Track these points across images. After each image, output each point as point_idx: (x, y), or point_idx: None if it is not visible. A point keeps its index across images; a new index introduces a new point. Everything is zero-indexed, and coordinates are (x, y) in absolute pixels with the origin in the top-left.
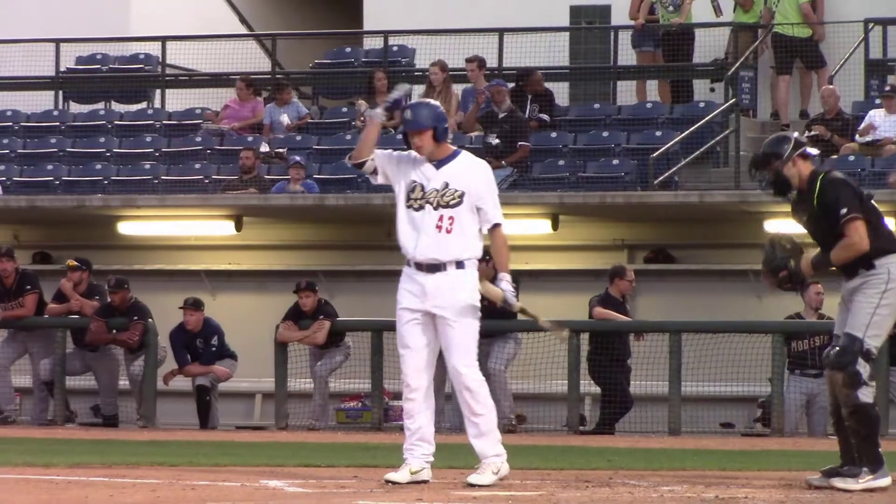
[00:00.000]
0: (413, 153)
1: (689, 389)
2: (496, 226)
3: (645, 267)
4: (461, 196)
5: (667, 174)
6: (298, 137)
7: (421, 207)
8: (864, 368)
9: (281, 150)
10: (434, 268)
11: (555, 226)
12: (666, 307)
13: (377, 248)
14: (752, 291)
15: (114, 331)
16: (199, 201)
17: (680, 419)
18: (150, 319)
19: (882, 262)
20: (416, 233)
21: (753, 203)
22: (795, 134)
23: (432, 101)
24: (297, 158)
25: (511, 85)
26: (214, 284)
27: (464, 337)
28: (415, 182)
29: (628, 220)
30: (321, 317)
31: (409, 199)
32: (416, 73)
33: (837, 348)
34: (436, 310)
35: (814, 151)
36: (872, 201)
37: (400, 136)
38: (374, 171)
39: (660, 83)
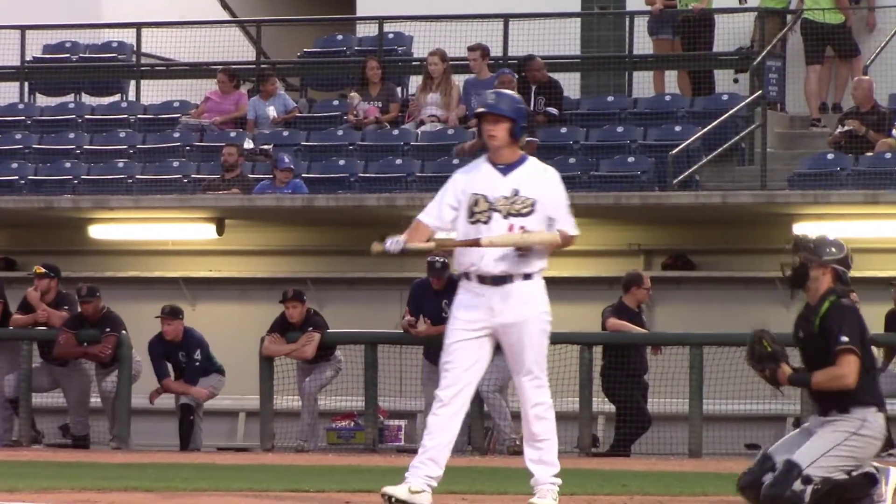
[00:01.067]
0: (463, 175)
1: (711, 407)
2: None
3: (663, 274)
4: (533, 205)
5: (687, 173)
6: (285, 133)
7: (489, 219)
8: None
9: (266, 147)
10: (500, 280)
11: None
12: (686, 318)
13: (370, 255)
14: (780, 301)
15: (84, 343)
16: (178, 202)
17: (701, 440)
18: (123, 331)
19: (858, 412)
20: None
21: (781, 204)
22: (847, 251)
23: (517, 95)
24: (287, 161)
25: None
26: (194, 293)
27: (532, 353)
28: (476, 195)
29: (645, 223)
30: (310, 328)
31: (472, 214)
32: (414, 63)
33: (772, 478)
34: (503, 326)
35: (847, 277)
36: (872, 348)
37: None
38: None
39: (679, 74)
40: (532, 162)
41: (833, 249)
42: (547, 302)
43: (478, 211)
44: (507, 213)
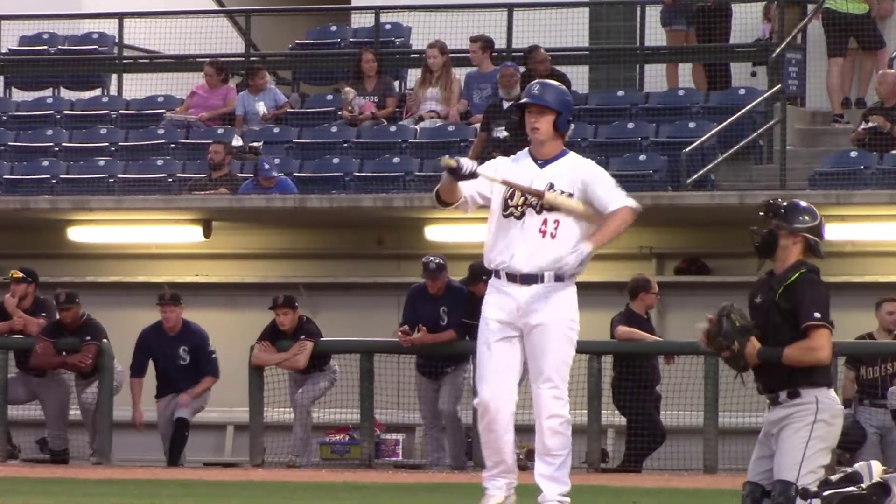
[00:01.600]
0: (506, 159)
1: (727, 420)
2: (624, 207)
3: (676, 279)
4: (569, 198)
5: (701, 172)
6: (276, 129)
7: (523, 214)
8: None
9: (256, 144)
10: (530, 279)
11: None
12: None
13: (367, 258)
14: None
15: (63, 353)
16: (162, 203)
17: (717, 455)
18: (104, 340)
19: (809, 392)
20: (514, 241)
21: None
22: (820, 219)
23: (563, 87)
24: (269, 168)
25: (522, 69)
26: None
27: (554, 360)
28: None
29: (657, 225)
30: (302, 336)
31: (506, 206)
32: (412, 56)
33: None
34: (528, 326)
35: (819, 249)
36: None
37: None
38: (465, 202)
39: (693, 67)
40: (571, 156)
41: (806, 217)
42: (576, 309)
43: (513, 204)
44: (541, 208)
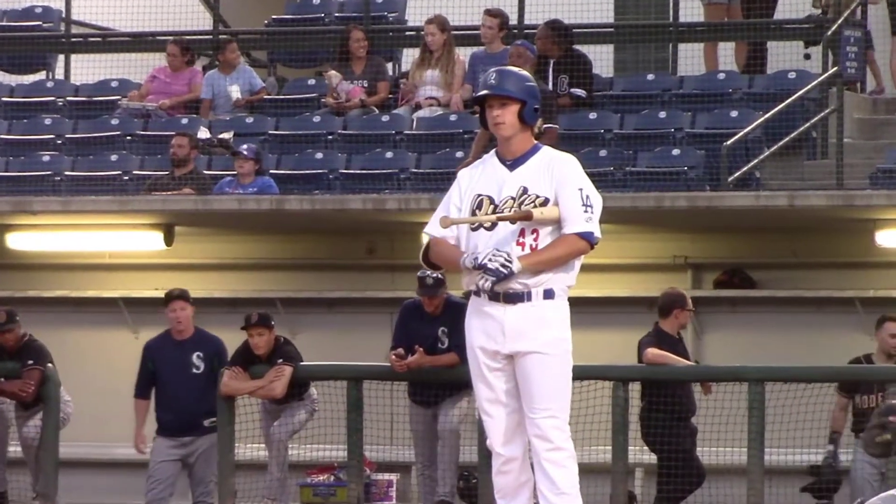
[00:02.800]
0: (470, 170)
1: (774, 458)
2: (577, 235)
3: (715, 293)
4: (544, 203)
5: (745, 169)
6: (249, 119)
7: (494, 224)
8: None
9: (226, 137)
10: (515, 297)
11: None
12: (743, 347)
13: (355, 269)
14: (861, 326)
15: (1, 379)
16: (116, 205)
17: (763, 497)
18: (49, 364)
19: None
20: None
21: (861, 207)
22: None
23: (524, 72)
24: (246, 148)
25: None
26: (137, 317)
27: (549, 386)
28: (480, 196)
29: (693, 231)
30: (279, 360)
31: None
32: (408, 33)
33: None
34: (516, 351)
35: None
36: None
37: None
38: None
39: (736, 46)
40: (544, 152)
41: None
42: (568, 327)
43: (481, 215)
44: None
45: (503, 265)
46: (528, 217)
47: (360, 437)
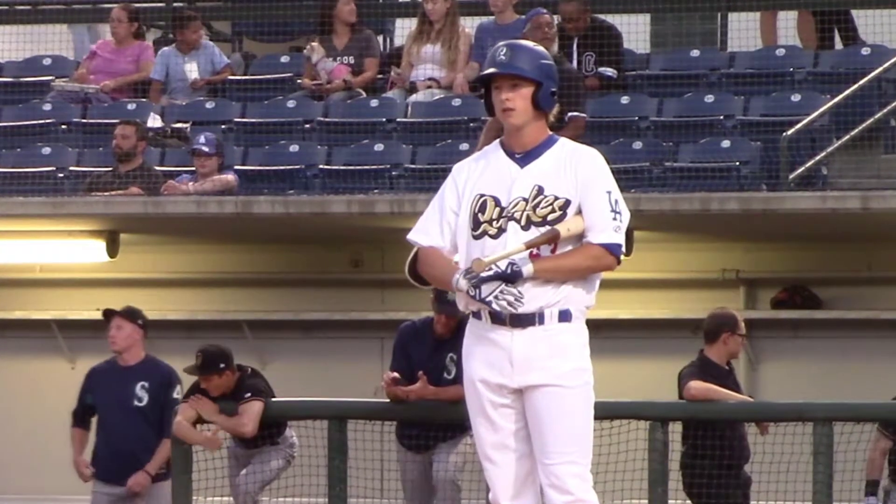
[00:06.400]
0: (467, 163)
1: None
2: (603, 247)
3: (773, 315)
4: (565, 206)
5: (809, 164)
6: (210, 104)
7: (501, 231)
8: None
9: (182, 126)
10: (523, 320)
11: (627, 247)
12: (807, 379)
13: (337, 285)
14: None
15: None
16: (49, 208)
17: None
18: None
19: None
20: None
21: None
22: None
23: (539, 47)
24: (204, 142)
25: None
26: (73, 343)
27: (566, 426)
28: (484, 196)
29: (746, 240)
30: (247, 395)
31: (476, 224)
32: (403, 1)
33: None
34: (525, 385)
35: None
36: None
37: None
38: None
39: (799, 17)
40: (561, 144)
41: None
42: (587, 356)
43: (485, 220)
44: (528, 222)
45: (511, 305)
46: (555, 238)
47: (344, 488)
